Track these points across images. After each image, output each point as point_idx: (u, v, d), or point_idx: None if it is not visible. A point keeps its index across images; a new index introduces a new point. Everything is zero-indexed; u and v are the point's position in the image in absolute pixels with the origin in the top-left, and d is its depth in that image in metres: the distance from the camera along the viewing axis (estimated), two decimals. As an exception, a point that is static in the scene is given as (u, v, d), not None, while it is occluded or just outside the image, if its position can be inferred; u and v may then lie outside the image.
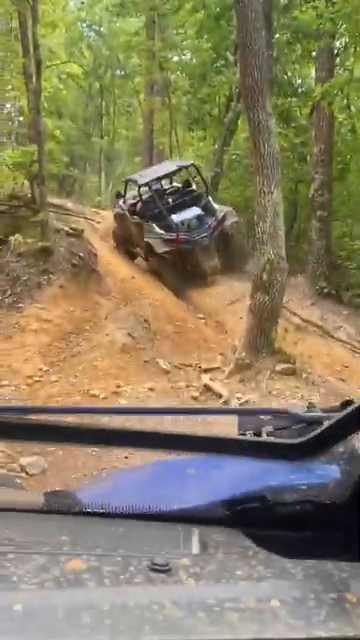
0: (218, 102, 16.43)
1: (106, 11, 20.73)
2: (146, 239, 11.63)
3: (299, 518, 0.86)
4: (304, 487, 0.87)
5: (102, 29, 25.67)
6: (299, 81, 14.75)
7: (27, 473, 4.89)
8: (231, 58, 14.10)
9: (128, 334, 8.12)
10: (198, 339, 9.27)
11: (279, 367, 6.99)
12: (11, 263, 9.64)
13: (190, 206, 12.03)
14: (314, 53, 11.18)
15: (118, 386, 6.86)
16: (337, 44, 11.79)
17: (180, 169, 13.05)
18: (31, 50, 10.37)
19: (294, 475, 0.90)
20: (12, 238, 9.72)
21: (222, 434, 0.87)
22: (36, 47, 9.88)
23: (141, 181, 12.28)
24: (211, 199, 12.27)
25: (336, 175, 12.10)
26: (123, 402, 6.41)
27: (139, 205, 12.39)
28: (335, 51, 11.64)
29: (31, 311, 8.73)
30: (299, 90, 14.10)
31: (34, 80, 9.96)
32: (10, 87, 17.31)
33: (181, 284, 11.40)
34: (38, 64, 9.84)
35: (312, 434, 0.82)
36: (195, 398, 6.75)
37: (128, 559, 0.64)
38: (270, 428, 1.06)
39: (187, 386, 7.08)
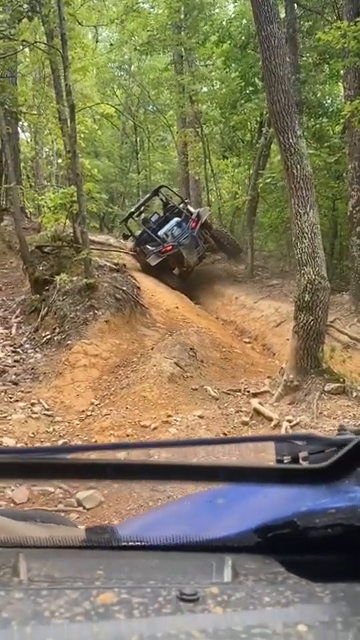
0: (250, 128, 16.55)
1: (134, 50, 21.27)
2: (146, 260, 13.70)
3: (329, 542, 0.86)
4: (334, 510, 0.87)
5: (132, 68, 26.32)
6: (329, 101, 14.73)
7: (84, 507, 4.96)
8: (260, 84, 14.24)
9: (175, 363, 8.16)
10: (245, 363, 9.25)
11: (328, 387, 6.89)
12: (57, 302, 9.87)
13: (171, 219, 14.42)
14: (342, 72, 11.17)
15: (168, 415, 6.88)
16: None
17: (154, 193, 15.87)
18: (64, 95, 10.76)
19: (325, 499, 0.91)
20: (57, 277, 9.98)
21: (246, 463, 0.89)
22: (69, 92, 10.22)
23: (123, 218, 15.58)
24: (188, 206, 14.83)
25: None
26: (173, 431, 6.43)
27: (138, 237, 14.81)
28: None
29: (79, 347, 8.88)
30: (330, 110, 14.07)
31: (69, 123, 10.26)
32: (47, 132, 17.97)
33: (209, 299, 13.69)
34: (72, 108, 10.15)
35: (335, 457, 0.83)
36: (245, 423, 6.71)
37: (158, 590, 0.65)
38: (305, 453, 1.08)
39: (237, 411, 7.04)
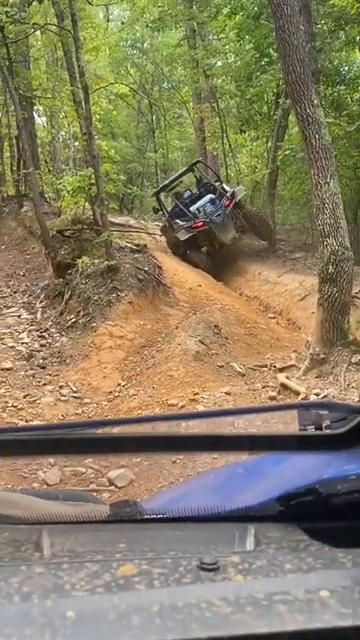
0: (266, 100, 16.26)
1: (146, 28, 20.99)
2: (175, 234, 13.54)
3: (351, 508, 0.86)
4: (354, 477, 0.87)
5: (144, 45, 26.03)
6: (346, 68, 14.34)
7: (116, 486, 5.01)
8: (274, 55, 13.94)
9: (200, 341, 8.15)
10: (270, 339, 9.21)
11: (355, 358, 6.81)
12: (80, 285, 9.92)
13: (203, 195, 14.07)
14: (358, 38, 10.89)
15: (195, 393, 6.90)
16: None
17: (190, 167, 15.33)
18: (77, 77, 10.68)
19: (347, 466, 0.91)
20: (79, 261, 10.01)
21: (268, 431, 0.89)
22: (82, 74, 10.15)
23: (156, 190, 15.27)
24: (223, 184, 14.38)
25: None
26: (201, 409, 6.45)
27: (169, 211, 14.58)
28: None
29: (104, 329, 8.93)
30: (347, 77, 13.72)
31: (84, 105, 10.21)
32: (63, 115, 17.92)
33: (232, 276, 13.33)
34: (85, 89, 10.09)
35: (352, 423, 0.83)
36: (273, 398, 6.70)
37: (178, 560, 0.65)
38: (328, 422, 1.07)
39: (263, 387, 7.03)
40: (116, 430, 1.02)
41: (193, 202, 14.09)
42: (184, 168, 15.94)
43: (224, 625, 0.54)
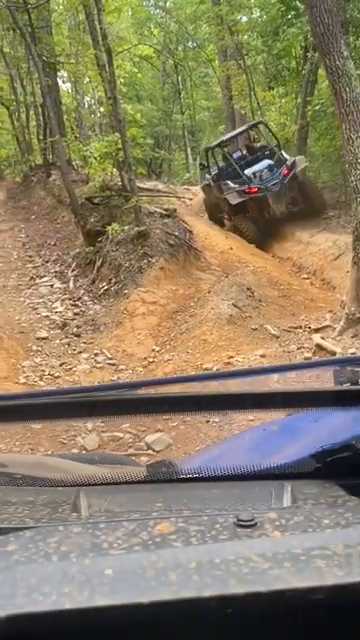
0: (294, 55, 15.79)
1: (169, -15, 20.52)
2: (224, 196, 12.65)
3: None
4: None
5: (167, 4, 25.46)
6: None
7: (153, 450, 5.07)
8: (301, 7, 13.45)
9: (233, 304, 8.11)
10: (304, 300, 9.11)
11: (392, 317, 6.72)
12: (111, 252, 9.93)
13: (261, 159, 13.03)
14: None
15: (230, 357, 6.89)
16: None
17: (250, 127, 14.08)
18: (100, 40, 10.50)
19: None
20: (109, 228, 10.00)
21: (303, 387, 0.87)
22: (104, 36, 9.98)
23: (208, 146, 13.95)
24: (283, 151, 13.15)
25: None
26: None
27: (218, 170, 13.55)
28: None
29: (137, 296, 8.96)
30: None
31: (107, 69, 10.06)
32: (87, 80, 17.73)
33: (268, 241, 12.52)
34: (109, 52, 9.93)
35: None
36: (308, 359, 6.65)
37: (215, 517, 0.65)
38: (365, 378, 1.05)
39: (299, 348, 6.98)
40: (151, 392, 1.02)
41: (248, 165, 13.03)
42: (244, 127, 14.66)
43: (262, 581, 0.54)
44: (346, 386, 1.01)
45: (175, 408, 0.92)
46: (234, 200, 12.42)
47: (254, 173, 12.59)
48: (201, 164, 15.01)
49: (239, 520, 0.63)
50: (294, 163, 12.61)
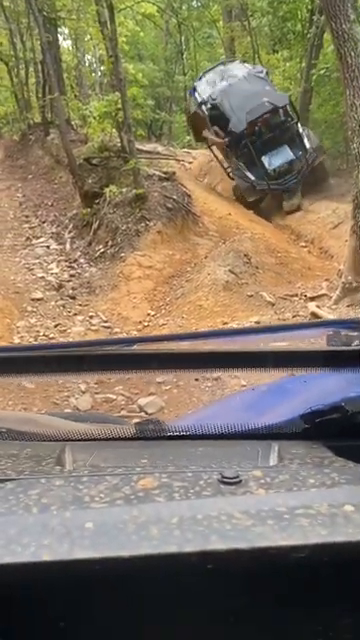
0: (300, 17, 15.42)
1: None
2: (235, 182, 12.30)
3: None
4: None
5: None
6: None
7: (146, 412, 5.11)
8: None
9: (229, 271, 8.09)
10: (301, 268, 9.09)
11: (389, 287, 6.72)
12: (108, 214, 9.85)
13: (281, 144, 11.93)
14: None
15: (224, 323, 6.91)
16: None
17: (275, 109, 12.09)
18: (102, -5, 10.24)
19: None
20: (107, 190, 9.88)
21: (294, 347, 0.86)
22: (106, -9, 9.73)
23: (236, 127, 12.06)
24: (303, 134, 12.18)
25: None
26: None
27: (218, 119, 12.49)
28: None
29: (133, 259, 8.92)
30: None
31: (109, 26, 9.83)
32: (88, 38, 17.32)
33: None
34: (111, 8, 9.69)
35: None
36: (303, 327, 6.67)
37: (199, 474, 0.65)
38: (358, 342, 1.04)
39: (294, 316, 6.99)
40: (140, 348, 1.01)
41: (264, 146, 11.87)
42: (268, 108, 12.17)
43: (244, 537, 0.53)
44: (338, 347, 1.00)
45: (164, 365, 0.91)
46: (250, 197, 12.04)
47: (274, 169, 11.82)
48: (194, 88, 13.82)
49: (223, 477, 0.63)
50: (315, 158, 12.08)
